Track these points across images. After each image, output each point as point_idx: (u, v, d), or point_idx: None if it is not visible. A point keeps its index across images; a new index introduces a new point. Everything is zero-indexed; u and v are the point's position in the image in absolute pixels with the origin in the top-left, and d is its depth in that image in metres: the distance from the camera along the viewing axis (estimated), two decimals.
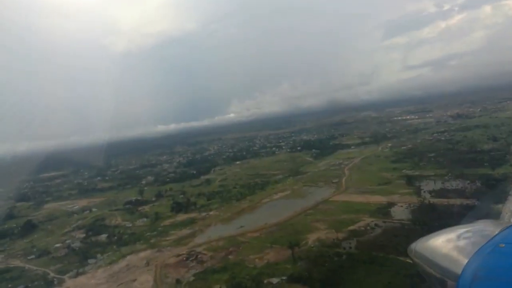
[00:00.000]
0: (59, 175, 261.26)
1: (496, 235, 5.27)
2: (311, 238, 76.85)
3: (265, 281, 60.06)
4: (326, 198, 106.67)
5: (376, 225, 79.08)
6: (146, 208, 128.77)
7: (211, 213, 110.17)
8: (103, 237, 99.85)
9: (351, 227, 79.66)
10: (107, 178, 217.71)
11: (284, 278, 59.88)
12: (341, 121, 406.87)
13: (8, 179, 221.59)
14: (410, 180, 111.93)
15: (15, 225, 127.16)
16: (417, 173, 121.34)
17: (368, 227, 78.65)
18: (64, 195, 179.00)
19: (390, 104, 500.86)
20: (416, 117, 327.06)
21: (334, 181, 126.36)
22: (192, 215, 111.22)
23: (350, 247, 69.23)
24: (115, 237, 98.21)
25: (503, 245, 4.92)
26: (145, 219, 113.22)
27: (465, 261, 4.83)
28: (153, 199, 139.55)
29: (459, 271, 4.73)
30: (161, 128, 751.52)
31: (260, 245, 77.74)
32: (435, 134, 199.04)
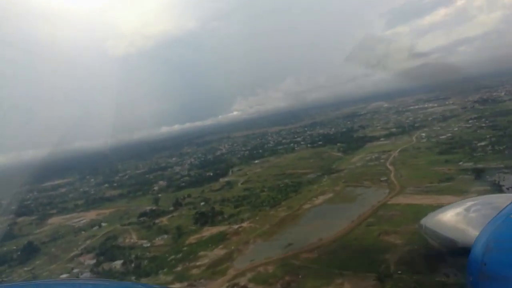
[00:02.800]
0: (64, 183, 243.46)
1: (507, 206, 4.88)
2: (391, 259, 58.76)
3: None
4: (383, 201, 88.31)
5: None
6: (164, 220, 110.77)
7: (244, 224, 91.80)
8: (117, 264, 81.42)
9: None
10: (115, 184, 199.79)
11: None
12: (352, 113, 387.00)
13: (11, 190, 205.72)
14: (478, 174, 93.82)
15: (14, 247, 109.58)
16: (480, 165, 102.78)
17: None
18: (70, 206, 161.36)
19: (398, 93, 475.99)
20: (436, 104, 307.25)
21: (382, 179, 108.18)
22: (222, 228, 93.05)
23: (456, 274, 51.00)
24: (132, 264, 79.90)
25: None
26: (165, 236, 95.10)
27: (476, 233, 4.53)
28: (171, 208, 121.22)
29: (470, 243, 4.47)
30: (165, 130, 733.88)
31: (324, 271, 59.55)
32: (471, 121, 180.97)
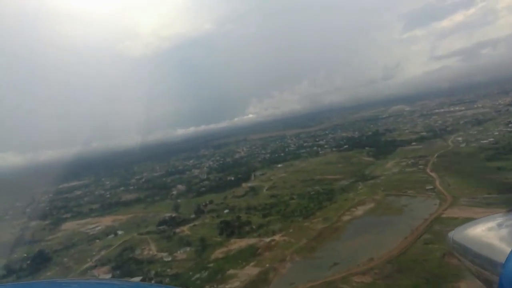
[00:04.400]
0: (80, 185, 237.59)
1: None
2: None
3: None
4: (436, 214, 77.17)
5: None
6: (185, 229, 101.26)
7: (277, 237, 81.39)
8: (135, 281, 71.99)
9: None
10: (131, 188, 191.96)
11: None
12: (373, 116, 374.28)
13: (26, 191, 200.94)
14: None
15: (25, 255, 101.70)
16: None
17: None
18: (85, 210, 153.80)
19: (418, 97, 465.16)
20: (463, 108, 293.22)
21: (428, 187, 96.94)
22: (251, 240, 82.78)
23: None
24: (152, 281, 70.25)
25: None
26: (187, 249, 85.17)
27: (508, 249, 4.22)
28: (192, 216, 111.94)
29: (502, 259, 4.17)
30: (181, 132, 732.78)
31: None
32: (511, 125, 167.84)
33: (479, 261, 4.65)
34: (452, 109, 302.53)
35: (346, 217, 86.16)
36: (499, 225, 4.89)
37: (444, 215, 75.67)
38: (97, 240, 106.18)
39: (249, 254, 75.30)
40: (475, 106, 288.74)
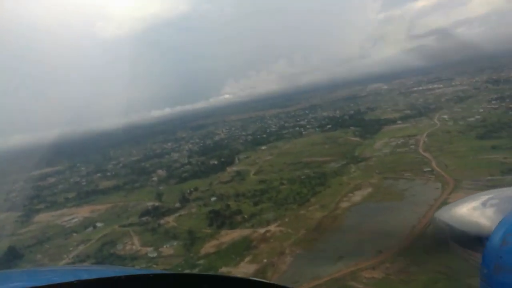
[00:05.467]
0: (54, 171, 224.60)
1: None
2: None
3: None
4: (441, 199, 73.10)
5: None
6: (170, 220, 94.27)
7: (272, 228, 75.73)
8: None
9: None
10: (108, 174, 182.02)
11: None
12: (352, 95, 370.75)
13: None
14: None
15: None
16: None
17: None
18: (60, 200, 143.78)
19: (394, 75, 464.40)
20: (441, 85, 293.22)
21: (425, 169, 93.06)
22: (244, 232, 76.88)
23: None
24: None
25: None
26: (174, 243, 78.50)
27: (493, 227, 4.46)
28: (177, 205, 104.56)
29: (486, 237, 4.42)
30: (156, 113, 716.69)
31: None
32: (494, 102, 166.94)
33: (464, 240, 4.67)
34: (430, 86, 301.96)
35: (344, 204, 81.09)
36: (484, 204, 4.93)
37: (450, 200, 71.51)
38: (74, 234, 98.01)
39: (244, 248, 69.58)
40: (453, 83, 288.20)
